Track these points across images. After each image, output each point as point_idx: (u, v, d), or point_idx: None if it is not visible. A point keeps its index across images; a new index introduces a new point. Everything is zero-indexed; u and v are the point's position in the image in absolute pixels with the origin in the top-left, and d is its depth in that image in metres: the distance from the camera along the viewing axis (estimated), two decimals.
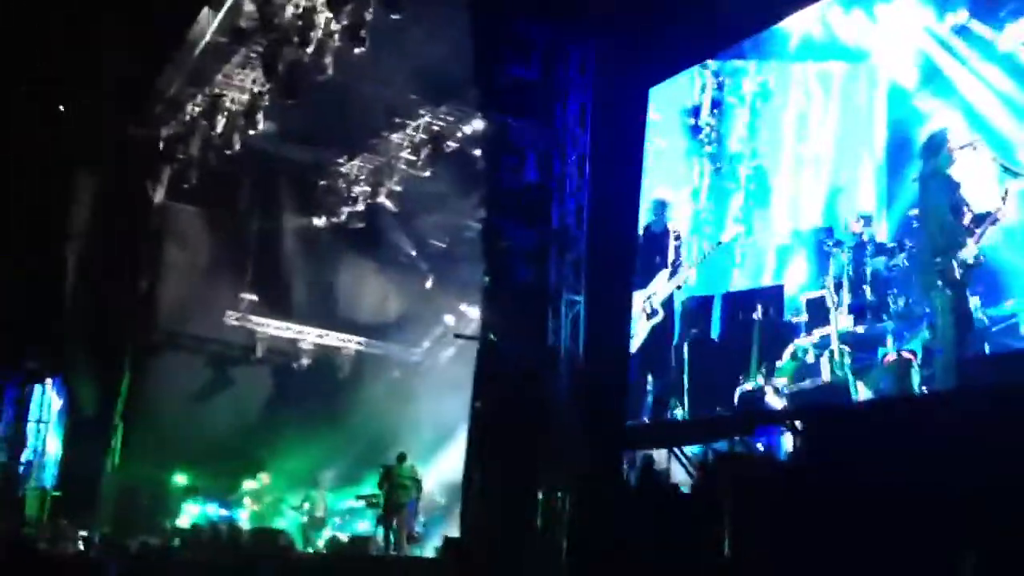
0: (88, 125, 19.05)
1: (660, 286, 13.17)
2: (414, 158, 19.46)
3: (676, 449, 12.33)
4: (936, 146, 9.89)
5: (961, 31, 9.84)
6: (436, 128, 18.69)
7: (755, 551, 9.09)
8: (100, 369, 19.20)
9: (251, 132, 18.10)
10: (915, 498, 7.96)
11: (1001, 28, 9.44)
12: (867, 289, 10.30)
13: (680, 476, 12.04)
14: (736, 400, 11.88)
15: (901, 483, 8.15)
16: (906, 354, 9.83)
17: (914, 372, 9.74)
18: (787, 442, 11.08)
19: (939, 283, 9.55)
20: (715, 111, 12.97)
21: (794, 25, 11.96)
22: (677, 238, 13.23)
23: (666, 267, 13.22)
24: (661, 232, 13.50)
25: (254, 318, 20.73)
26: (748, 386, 11.67)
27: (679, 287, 13.04)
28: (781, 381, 11.20)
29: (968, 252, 9.34)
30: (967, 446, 8.13)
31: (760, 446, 11.66)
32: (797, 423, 10.82)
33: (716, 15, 12.55)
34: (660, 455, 12.26)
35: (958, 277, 9.40)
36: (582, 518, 12.54)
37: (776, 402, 11.26)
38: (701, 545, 9.60)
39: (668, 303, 13.15)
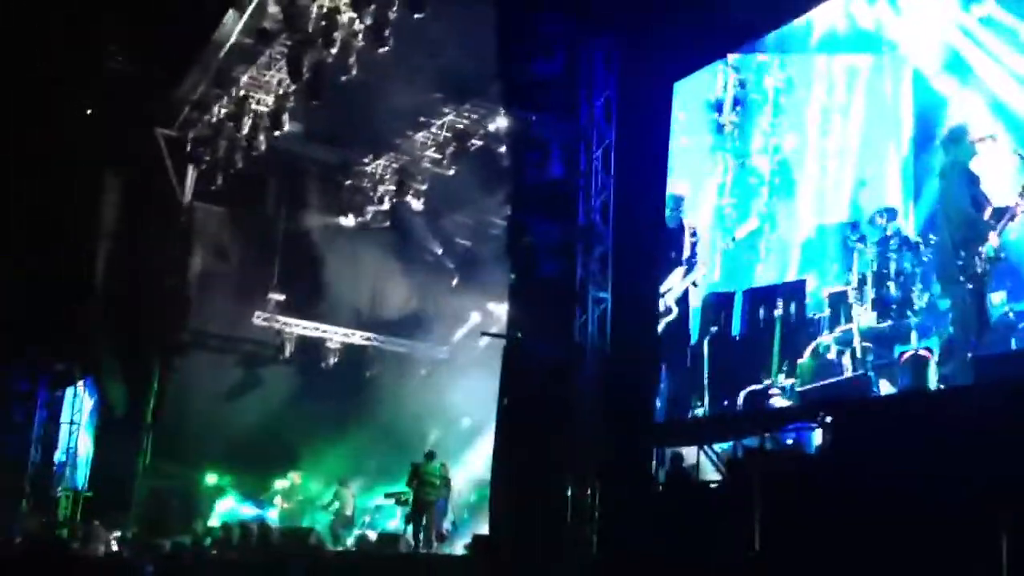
0: (116, 127, 19.26)
1: (675, 282, 13.12)
2: (439, 156, 19.51)
3: (705, 445, 12.25)
4: (956, 138, 9.75)
5: (987, 21, 9.69)
6: (460, 126, 18.73)
7: (785, 546, 9.05)
8: (130, 369, 19.41)
9: (277, 133, 18.22)
10: (944, 491, 7.88)
11: None
12: (891, 284, 10.15)
13: (709, 472, 11.97)
14: (741, 401, 11.84)
15: (930, 476, 8.07)
16: (923, 351, 9.72)
17: (931, 369, 9.66)
18: (816, 438, 10.99)
19: (960, 278, 9.42)
20: (738, 106, 12.85)
21: (817, 18, 11.82)
22: (693, 234, 13.15)
23: (681, 264, 13.18)
24: (676, 228, 13.42)
25: (281, 318, 20.86)
26: (755, 386, 11.66)
27: (695, 283, 12.99)
28: (789, 381, 11.17)
29: (989, 246, 9.22)
30: (997, 439, 8.03)
31: (789, 442, 11.58)
32: (827, 418, 10.73)
33: (739, 9, 12.44)
34: (689, 451, 12.19)
35: (979, 272, 9.28)
36: (611, 514, 12.52)
37: (782, 403, 11.19)
38: (731, 540, 9.56)
39: (683, 300, 13.08)
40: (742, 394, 11.81)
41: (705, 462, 12.03)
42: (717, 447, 12.08)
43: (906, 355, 9.87)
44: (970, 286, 9.32)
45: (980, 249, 9.27)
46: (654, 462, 13.01)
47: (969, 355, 9.23)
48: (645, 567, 10.44)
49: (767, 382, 11.52)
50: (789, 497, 9.42)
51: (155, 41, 18.05)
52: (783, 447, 11.47)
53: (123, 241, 19.68)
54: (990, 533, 7.36)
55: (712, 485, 11.56)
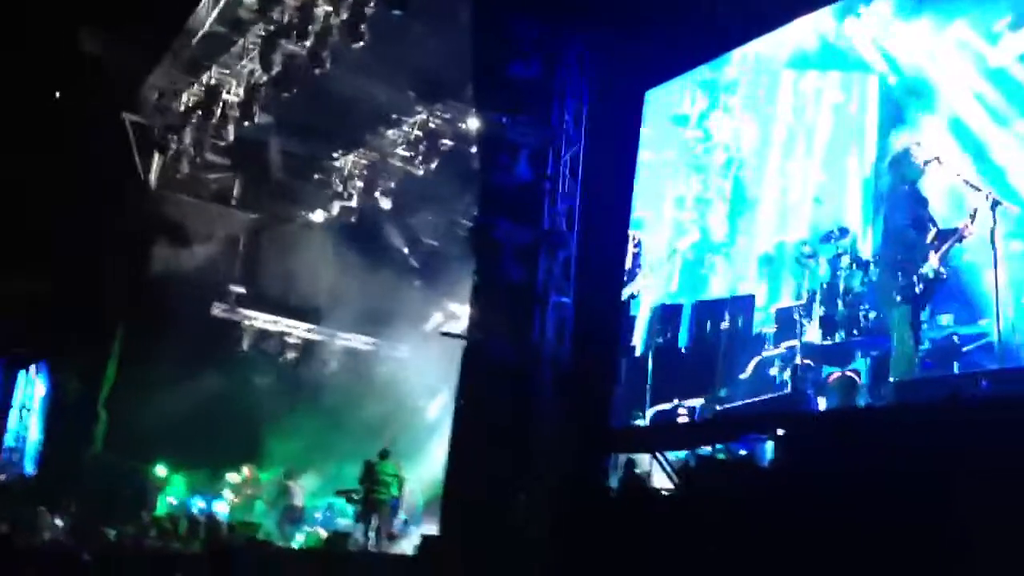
0: (83, 110, 19.04)
1: None
2: (409, 155, 19.42)
3: (658, 454, 12.27)
4: (902, 159, 9.87)
5: (955, 43, 9.80)
6: (432, 125, 18.65)
7: (735, 556, 9.04)
8: (84, 356, 19.14)
9: (246, 124, 18.07)
10: (893, 502, 7.90)
11: (996, 42, 9.40)
12: (840, 303, 10.20)
13: (662, 481, 11.98)
14: (649, 420, 12.07)
15: (878, 489, 8.09)
16: (849, 373, 9.79)
17: (858, 391, 9.73)
18: (769, 449, 11.02)
19: (897, 299, 9.50)
20: (705, 120, 12.95)
21: (787, 35, 11.93)
22: (637, 245, 13.24)
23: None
24: None
25: (242, 310, 20.66)
26: (664, 405, 11.81)
27: (633, 295, 13.09)
28: (697, 402, 11.30)
29: (928, 268, 9.29)
30: (949, 455, 8.05)
31: (742, 452, 11.60)
32: (779, 431, 10.76)
33: (712, 22, 12.53)
34: (641, 458, 12.20)
35: (917, 293, 9.34)
36: (564, 520, 12.47)
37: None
38: (681, 549, 9.55)
39: (623, 310, 13.15)
40: (649, 413, 11.90)
41: (658, 470, 12.06)
42: (670, 455, 12.11)
43: (834, 376, 9.94)
44: (906, 307, 9.40)
45: (919, 270, 9.34)
46: (608, 468, 13.01)
47: (906, 375, 9.30)
48: (597, 573, 10.41)
49: (664, 405, 11.61)
50: (740, 508, 9.43)
51: (127, 26, 17.88)
52: (736, 458, 11.51)
53: (84, 226, 19.39)
54: (929, 547, 7.42)
55: (665, 493, 11.57)
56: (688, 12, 12.68)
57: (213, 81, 18.10)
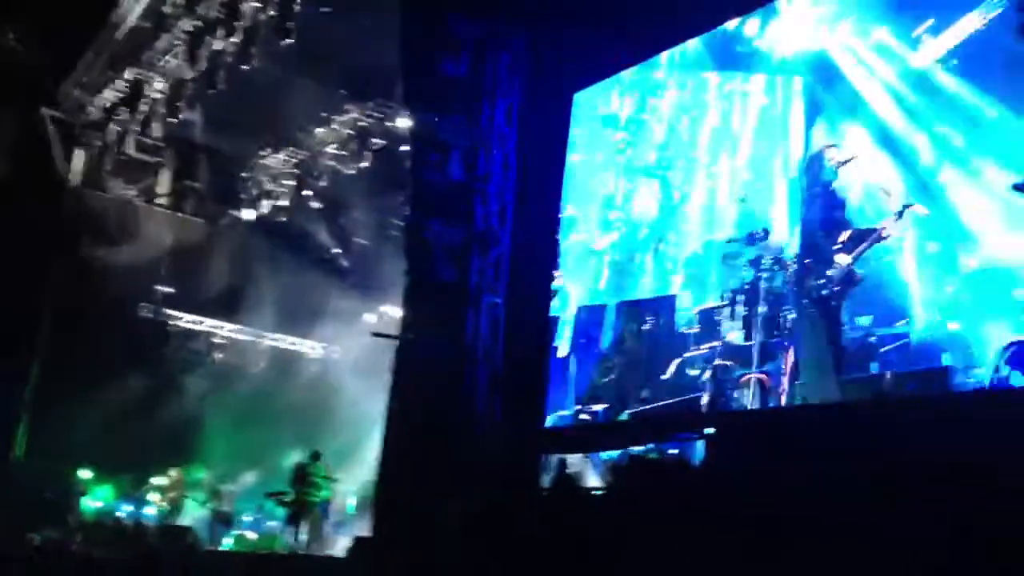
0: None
1: None
2: (340, 153, 19.26)
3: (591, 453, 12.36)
4: (818, 161, 10.07)
5: (877, 47, 10.03)
6: (363, 124, 18.53)
7: (666, 555, 9.12)
8: (6, 358, 18.60)
9: (172, 120, 17.76)
10: (817, 501, 8.02)
11: (916, 46, 9.63)
12: (761, 303, 10.32)
13: (593, 479, 12.05)
14: (549, 423, 12.26)
15: (807, 489, 8.22)
16: (760, 375, 9.95)
17: (769, 392, 9.90)
18: (698, 448, 11.15)
19: (805, 301, 9.68)
20: (634, 121, 13.07)
21: (715, 38, 12.09)
22: (559, 245, 13.36)
23: None
24: None
25: (168, 311, 20.30)
26: (563, 411, 12.05)
27: (555, 295, 13.23)
28: (600, 406, 11.47)
29: (836, 270, 9.47)
30: (871, 454, 8.20)
31: (674, 452, 11.72)
32: (708, 430, 10.89)
33: (642, 24, 12.64)
34: (573, 457, 12.27)
35: (824, 295, 9.51)
36: (496, 520, 12.48)
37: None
38: (613, 548, 9.60)
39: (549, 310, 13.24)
40: (550, 417, 12.00)
41: (590, 469, 12.13)
42: (603, 454, 12.19)
43: (745, 378, 10.10)
44: (814, 309, 9.58)
45: (826, 272, 9.53)
46: (540, 468, 13.05)
47: (817, 378, 9.47)
48: (529, 573, 10.41)
49: (577, 407, 11.97)
50: (672, 506, 9.50)
51: (49, 19, 17.47)
52: (666, 456, 11.61)
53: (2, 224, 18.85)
54: (856, 545, 7.55)
55: (596, 492, 11.63)
56: (618, 13, 12.78)
57: (138, 76, 17.74)
